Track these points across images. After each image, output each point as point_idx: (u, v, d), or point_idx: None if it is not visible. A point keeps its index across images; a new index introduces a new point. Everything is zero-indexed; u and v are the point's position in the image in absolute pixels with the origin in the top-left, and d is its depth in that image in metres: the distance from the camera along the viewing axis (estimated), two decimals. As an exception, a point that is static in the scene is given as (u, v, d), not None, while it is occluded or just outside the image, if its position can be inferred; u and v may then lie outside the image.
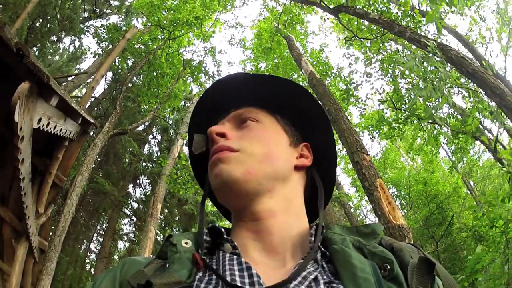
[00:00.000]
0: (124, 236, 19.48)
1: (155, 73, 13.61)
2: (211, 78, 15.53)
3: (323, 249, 0.71)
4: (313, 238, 0.74)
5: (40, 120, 3.58)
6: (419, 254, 0.69)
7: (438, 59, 5.72)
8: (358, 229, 0.76)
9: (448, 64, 6.02)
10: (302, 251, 0.74)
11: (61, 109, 4.06)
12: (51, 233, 6.95)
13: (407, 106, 10.09)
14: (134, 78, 14.98)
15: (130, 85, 13.97)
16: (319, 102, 0.89)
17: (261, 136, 0.82)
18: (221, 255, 0.71)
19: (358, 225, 0.79)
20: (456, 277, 7.28)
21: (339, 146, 14.41)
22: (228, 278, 0.63)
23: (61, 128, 4.26)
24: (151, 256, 0.77)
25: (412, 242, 4.88)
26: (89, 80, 13.41)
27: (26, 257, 4.51)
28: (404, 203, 15.42)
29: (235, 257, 0.69)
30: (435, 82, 5.46)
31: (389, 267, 0.63)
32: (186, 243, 0.71)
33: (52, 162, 4.77)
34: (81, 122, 4.80)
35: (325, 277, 0.65)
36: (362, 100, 12.03)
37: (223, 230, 0.75)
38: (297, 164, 0.85)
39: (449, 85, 5.72)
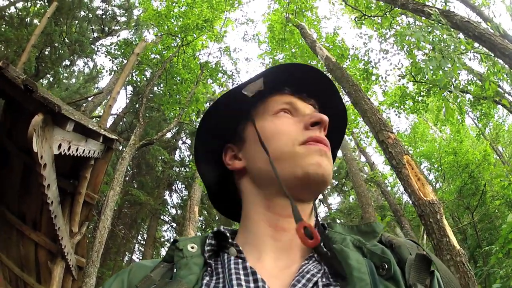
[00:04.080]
0: (165, 242, 19.89)
1: (174, 80, 13.82)
2: (230, 77, 15.66)
3: (325, 249, 0.71)
4: None
5: (60, 146, 3.69)
6: (418, 251, 0.71)
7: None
8: (359, 228, 0.79)
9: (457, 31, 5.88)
10: (308, 251, 0.75)
11: (79, 131, 4.14)
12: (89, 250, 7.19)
13: (426, 77, 9.89)
14: (155, 88, 15.24)
15: (151, 95, 14.22)
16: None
17: None
18: (225, 258, 0.72)
19: (359, 224, 0.81)
20: (491, 248, 7.08)
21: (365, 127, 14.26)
22: (234, 282, 0.64)
23: (84, 149, 4.36)
24: (158, 259, 0.83)
25: (443, 217, 4.66)
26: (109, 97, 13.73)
27: (63, 276, 4.67)
28: (438, 176, 15.10)
29: (240, 261, 0.70)
30: (443, 51, 5.35)
31: (386, 267, 0.65)
32: (192, 248, 0.73)
33: (81, 182, 4.94)
34: (103, 140, 4.90)
35: (324, 279, 0.66)
36: (382, 78, 11.85)
37: (228, 234, 0.77)
38: None
39: (459, 52, 5.59)
